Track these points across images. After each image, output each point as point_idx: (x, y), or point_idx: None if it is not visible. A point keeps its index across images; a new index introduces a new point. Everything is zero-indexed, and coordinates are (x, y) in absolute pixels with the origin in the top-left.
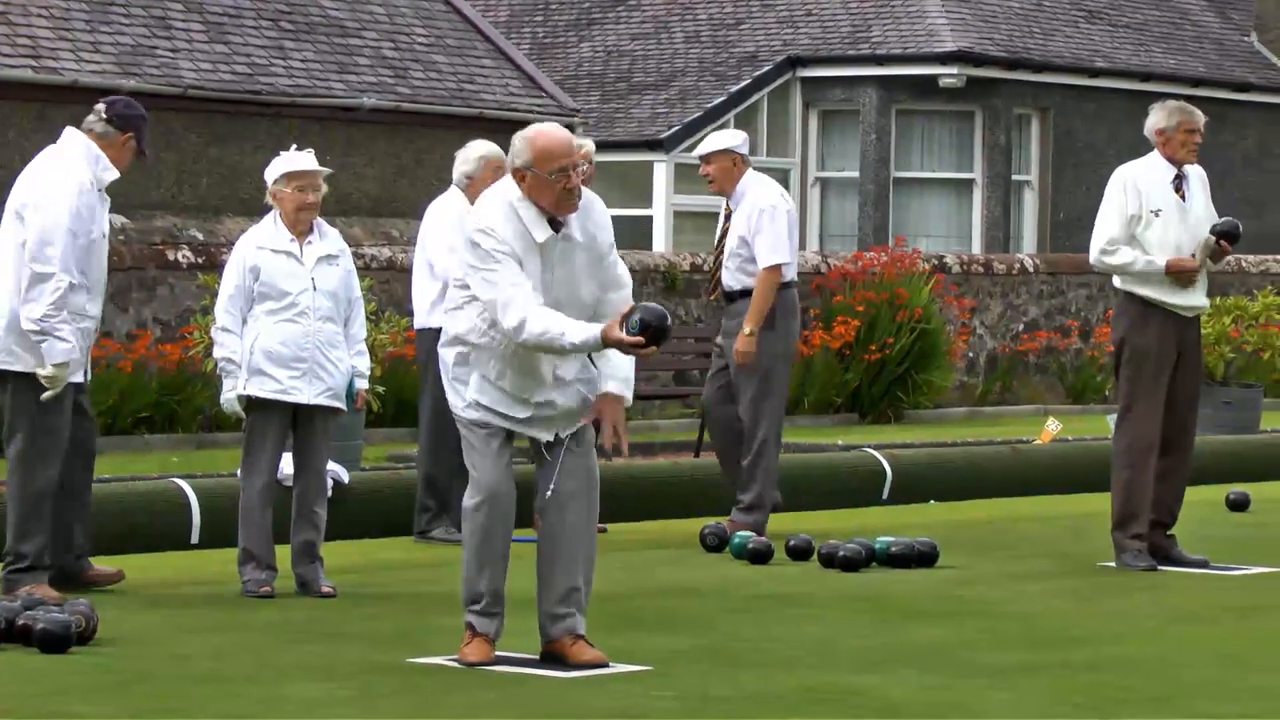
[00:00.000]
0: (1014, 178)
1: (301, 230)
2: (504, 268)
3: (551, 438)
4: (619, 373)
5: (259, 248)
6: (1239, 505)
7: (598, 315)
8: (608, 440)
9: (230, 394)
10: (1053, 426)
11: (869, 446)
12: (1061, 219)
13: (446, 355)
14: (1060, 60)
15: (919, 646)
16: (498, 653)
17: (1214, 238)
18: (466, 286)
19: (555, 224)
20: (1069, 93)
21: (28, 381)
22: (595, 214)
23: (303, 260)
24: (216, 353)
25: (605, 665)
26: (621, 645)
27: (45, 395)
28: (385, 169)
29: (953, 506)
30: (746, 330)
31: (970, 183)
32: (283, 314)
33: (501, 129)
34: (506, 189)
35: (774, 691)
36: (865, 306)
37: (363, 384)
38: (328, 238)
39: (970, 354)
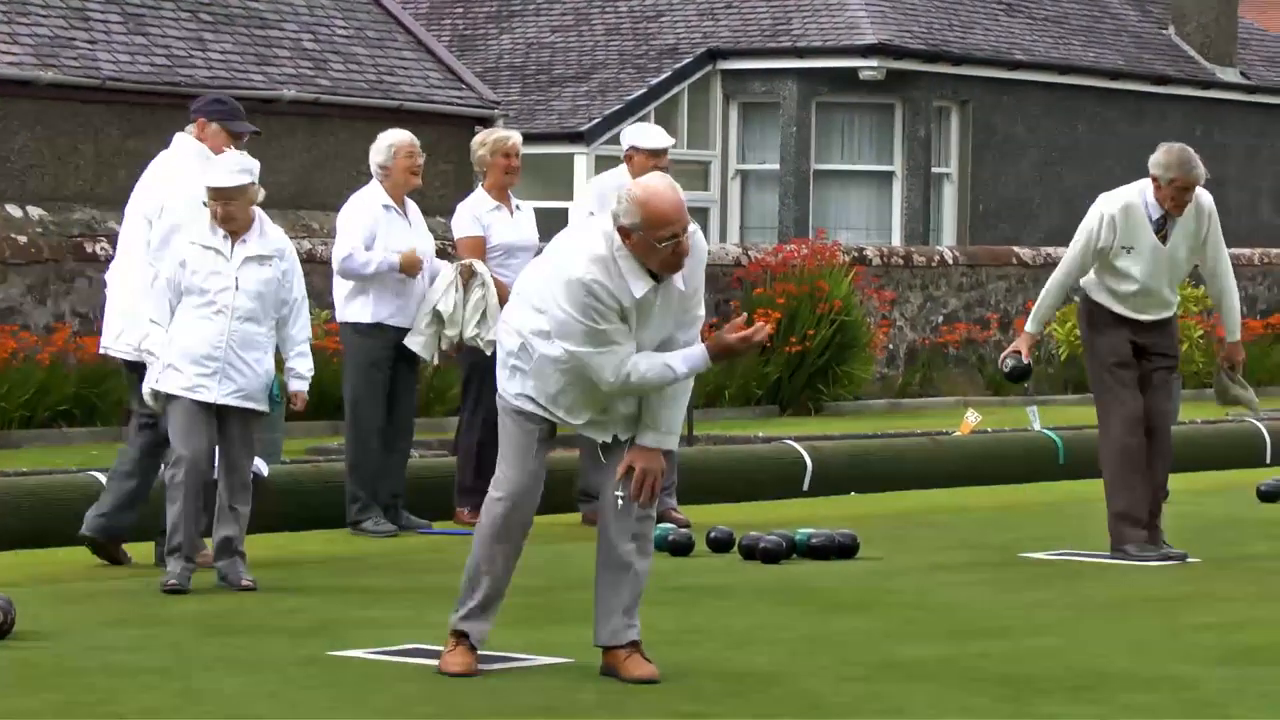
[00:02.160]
0: (934, 170)
1: (237, 230)
2: (605, 324)
3: (609, 439)
4: (660, 424)
5: (190, 242)
6: None
7: (662, 349)
8: (633, 493)
9: (148, 387)
10: (972, 418)
11: (789, 439)
12: (981, 211)
13: (507, 340)
14: (980, 53)
15: (839, 638)
16: (421, 645)
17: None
18: (543, 311)
19: (655, 274)
20: (988, 85)
21: None
22: (696, 260)
23: (230, 258)
24: (143, 343)
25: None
26: (543, 638)
27: None
28: (305, 161)
29: (873, 498)
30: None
31: (890, 175)
32: (201, 311)
33: (422, 121)
34: (602, 238)
35: (694, 684)
36: (786, 299)
37: (302, 385)
38: (265, 237)
39: (890, 346)
